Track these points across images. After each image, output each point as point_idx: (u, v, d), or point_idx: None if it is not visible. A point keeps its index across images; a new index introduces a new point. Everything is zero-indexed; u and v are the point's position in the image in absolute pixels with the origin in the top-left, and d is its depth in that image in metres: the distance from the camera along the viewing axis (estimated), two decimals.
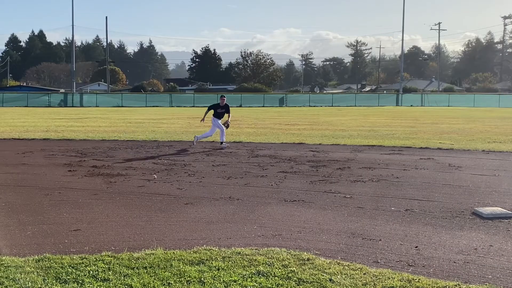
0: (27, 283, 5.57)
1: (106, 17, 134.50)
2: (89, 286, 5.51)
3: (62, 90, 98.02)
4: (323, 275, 5.84)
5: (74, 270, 5.94)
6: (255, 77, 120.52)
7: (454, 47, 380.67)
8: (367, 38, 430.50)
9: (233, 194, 10.63)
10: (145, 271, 5.94)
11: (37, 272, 5.90)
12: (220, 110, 19.85)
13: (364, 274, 5.92)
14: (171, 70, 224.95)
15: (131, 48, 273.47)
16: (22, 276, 5.76)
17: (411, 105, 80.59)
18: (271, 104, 77.84)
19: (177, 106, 73.48)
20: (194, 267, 6.08)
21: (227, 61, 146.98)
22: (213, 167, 14.37)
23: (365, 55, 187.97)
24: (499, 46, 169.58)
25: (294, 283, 5.63)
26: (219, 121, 19.81)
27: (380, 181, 12.24)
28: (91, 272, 5.89)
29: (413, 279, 5.77)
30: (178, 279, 5.70)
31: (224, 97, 20.32)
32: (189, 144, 20.21)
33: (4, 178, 12.50)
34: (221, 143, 19.69)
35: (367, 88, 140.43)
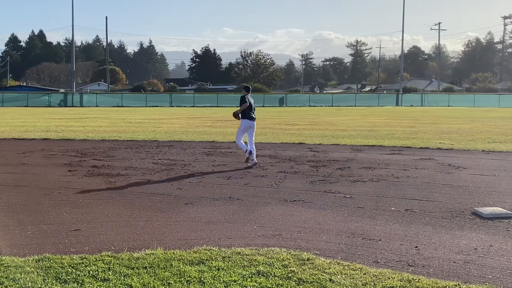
0: (27, 283, 5.55)
1: (106, 17, 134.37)
2: (89, 286, 5.49)
3: (62, 90, 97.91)
4: (323, 275, 5.83)
5: (74, 270, 5.92)
6: (255, 77, 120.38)
7: (455, 47, 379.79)
8: (369, 38, 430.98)
9: (233, 194, 10.62)
10: (145, 271, 5.93)
11: (37, 272, 5.88)
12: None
13: (364, 274, 5.90)
14: (171, 70, 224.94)
15: (131, 48, 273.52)
16: (22, 276, 5.74)
17: (411, 105, 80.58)
18: (271, 104, 77.81)
19: (177, 106, 73.48)
20: (194, 267, 6.06)
21: (228, 61, 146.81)
22: (213, 167, 14.36)
23: (365, 55, 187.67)
24: (499, 46, 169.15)
25: (294, 283, 5.62)
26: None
27: (380, 181, 12.22)
28: (91, 272, 5.88)
29: (413, 279, 5.76)
30: (178, 279, 5.68)
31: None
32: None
33: (4, 178, 12.48)
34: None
35: (367, 88, 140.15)
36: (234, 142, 21.12)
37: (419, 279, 5.78)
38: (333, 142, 21.21)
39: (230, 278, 5.71)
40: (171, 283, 5.58)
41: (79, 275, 5.78)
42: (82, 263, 6.18)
